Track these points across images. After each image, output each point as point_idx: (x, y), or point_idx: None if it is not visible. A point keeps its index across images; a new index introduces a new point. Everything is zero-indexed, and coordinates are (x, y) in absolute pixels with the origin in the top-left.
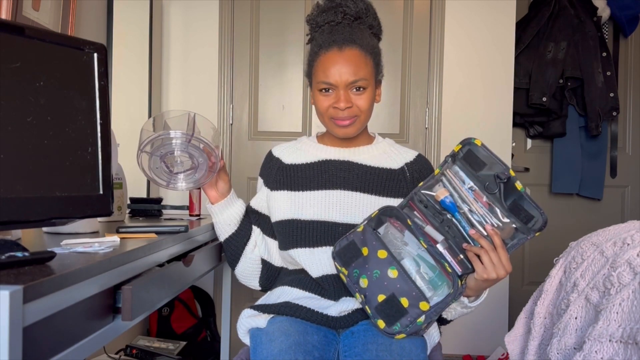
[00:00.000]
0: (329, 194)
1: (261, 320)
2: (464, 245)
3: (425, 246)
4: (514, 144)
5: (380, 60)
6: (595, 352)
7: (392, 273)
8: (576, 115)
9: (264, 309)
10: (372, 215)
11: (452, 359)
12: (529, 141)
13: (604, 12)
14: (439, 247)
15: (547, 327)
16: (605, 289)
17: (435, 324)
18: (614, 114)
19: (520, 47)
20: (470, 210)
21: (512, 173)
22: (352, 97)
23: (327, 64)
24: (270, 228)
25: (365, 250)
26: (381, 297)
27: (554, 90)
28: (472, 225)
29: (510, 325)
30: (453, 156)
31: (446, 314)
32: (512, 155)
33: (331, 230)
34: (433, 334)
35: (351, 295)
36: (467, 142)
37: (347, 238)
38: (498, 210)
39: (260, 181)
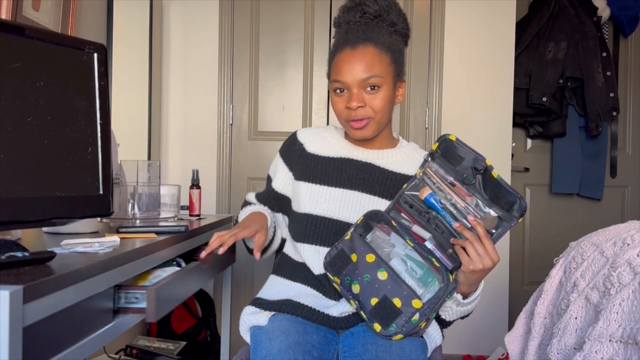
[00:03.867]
0: (346, 194)
1: (262, 317)
2: (452, 239)
3: (412, 244)
4: (514, 144)
5: (401, 58)
6: (595, 352)
7: (382, 275)
8: (576, 115)
9: (265, 305)
10: (359, 222)
11: (452, 359)
12: (529, 141)
13: (604, 12)
14: (428, 244)
15: (547, 327)
16: (605, 289)
17: (435, 325)
18: (614, 114)
19: (520, 47)
20: (453, 205)
21: (488, 163)
22: (366, 97)
23: (340, 63)
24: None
25: (354, 257)
26: (374, 300)
27: (554, 90)
28: (456, 219)
29: (510, 325)
30: (431, 154)
31: (444, 314)
32: (512, 155)
33: (342, 231)
34: (434, 336)
35: None
36: (442, 140)
37: (336, 247)
38: (479, 202)
39: (280, 161)
